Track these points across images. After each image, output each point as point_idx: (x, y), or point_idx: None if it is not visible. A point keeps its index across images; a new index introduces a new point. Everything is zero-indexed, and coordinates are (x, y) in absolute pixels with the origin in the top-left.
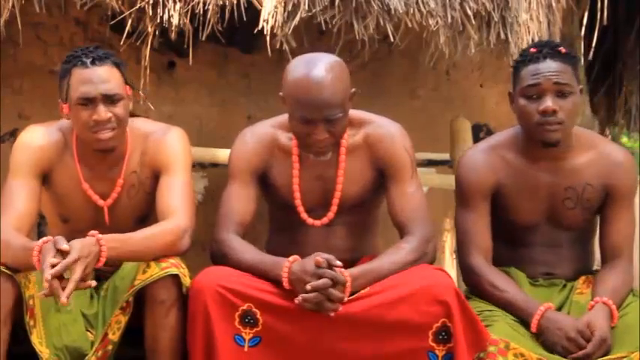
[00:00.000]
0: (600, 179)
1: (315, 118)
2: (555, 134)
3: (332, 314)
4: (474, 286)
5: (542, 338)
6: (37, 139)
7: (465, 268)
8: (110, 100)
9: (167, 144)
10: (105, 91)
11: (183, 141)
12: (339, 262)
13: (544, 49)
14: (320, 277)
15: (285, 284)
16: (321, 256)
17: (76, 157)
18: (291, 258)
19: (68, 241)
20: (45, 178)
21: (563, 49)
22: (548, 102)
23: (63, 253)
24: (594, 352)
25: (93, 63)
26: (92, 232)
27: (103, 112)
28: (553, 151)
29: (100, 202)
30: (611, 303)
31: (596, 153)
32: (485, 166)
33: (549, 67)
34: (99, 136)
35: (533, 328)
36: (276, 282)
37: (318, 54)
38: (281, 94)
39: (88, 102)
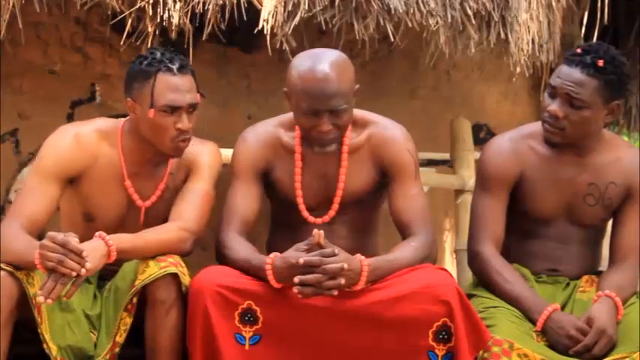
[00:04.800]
0: (624, 179)
1: (320, 109)
2: (553, 136)
3: (335, 292)
4: (480, 273)
5: (545, 337)
6: (69, 143)
7: (474, 254)
8: (192, 109)
9: (202, 153)
10: (191, 100)
11: (217, 155)
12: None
13: (583, 56)
14: (308, 265)
15: (273, 283)
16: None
17: (121, 155)
18: (272, 256)
19: (88, 239)
20: (72, 180)
21: (601, 62)
22: (554, 106)
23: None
24: (594, 343)
25: (179, 70)
26: (100, 232)
27: (186, 121)
28: (576, 146)
29: (139, 202)
30: (615, 295)
31: (623, 153)
32: (512, 155)
33: (572, 75)
34: (181, 145)
35: (539, 327)
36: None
37: (322, 49)
38: (285, 89)
39: (174, 110)
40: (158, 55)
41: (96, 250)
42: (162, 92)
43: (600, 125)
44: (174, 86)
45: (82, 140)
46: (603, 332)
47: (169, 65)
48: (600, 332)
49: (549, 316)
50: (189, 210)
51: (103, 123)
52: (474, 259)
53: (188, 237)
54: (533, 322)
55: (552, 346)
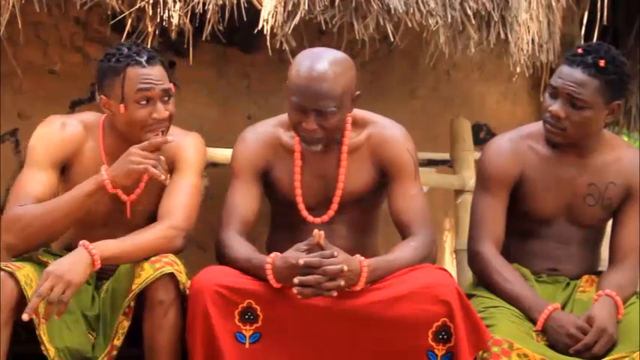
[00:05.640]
0: (624, 179)
1: (306, 106)
2: (555, 137)
3: (334, 294)
4: (480, 273)
5: (545, 336)
6: (57, 129)
7: (474, 254)
8: (167, 97)
9: (186, 145)
10: (163, 87)
11: (201, 146)
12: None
13: (584, 57)
14: (308, 266)
15: (273, 283)
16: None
17: (102, 150)
18: (272, 255)
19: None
20: (62, 170)
21: (602, 62)
22: (556, 106)
23: None
24: (594, 342)
25: (148, 62)
26: (83, 242)
27: (162, 110)
28: (577, 146)
29: (124, 196)
30: (615, 295)
31: (623, 153)
32: (512, 155)
33: (573, 76)
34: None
35: (539, 327)
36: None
37: (327, 49)
38: (287, 82)
39: (148, 100)
40: (125, 50)
41: (79, 262)
42: (134, 85)
43: (601, 125)
44: (145, 78)
45: (68, 128)
46: (604, 331)
47: (137, 58)
48: (601, 331)
49: (550, 315)
50: (177, 206)
51: (86, 116)
52: (474, 259)
53: (177, 234)
54: (534, 321)
55: (552, 345)
